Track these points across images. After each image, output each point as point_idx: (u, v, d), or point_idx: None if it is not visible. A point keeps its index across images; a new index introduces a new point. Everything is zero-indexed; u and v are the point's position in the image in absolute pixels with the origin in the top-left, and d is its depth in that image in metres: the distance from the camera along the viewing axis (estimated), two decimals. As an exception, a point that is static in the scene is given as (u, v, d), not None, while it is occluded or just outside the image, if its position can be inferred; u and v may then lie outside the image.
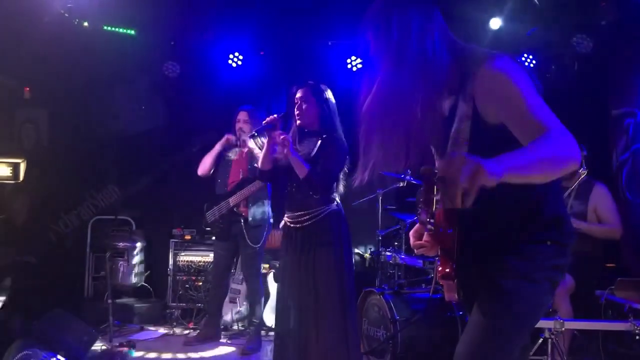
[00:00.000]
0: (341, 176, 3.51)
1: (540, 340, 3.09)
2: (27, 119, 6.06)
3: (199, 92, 6.32)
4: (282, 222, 3.61)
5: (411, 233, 1.88)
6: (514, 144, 1.51)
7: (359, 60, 6.27)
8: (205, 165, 5.00)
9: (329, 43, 6.19)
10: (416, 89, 1.64)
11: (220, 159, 5.01)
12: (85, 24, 5.76)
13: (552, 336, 3.05)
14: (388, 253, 4.77)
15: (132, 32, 5.98)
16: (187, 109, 6.24)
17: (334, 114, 3.53)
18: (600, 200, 4.21)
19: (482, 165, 1.30)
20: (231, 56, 6.26)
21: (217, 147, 4.99)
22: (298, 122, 3.51)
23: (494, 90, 1.59)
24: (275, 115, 3.46)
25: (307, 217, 3.42)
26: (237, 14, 5.81)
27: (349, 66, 6.28)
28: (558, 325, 3.00)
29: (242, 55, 6.29)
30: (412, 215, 4.74)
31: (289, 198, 3.53)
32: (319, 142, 3.49)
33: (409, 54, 1.66)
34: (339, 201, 3.53)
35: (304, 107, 3.48)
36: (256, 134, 3.66)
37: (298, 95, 3.52)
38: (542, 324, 3.03)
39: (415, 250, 1.85)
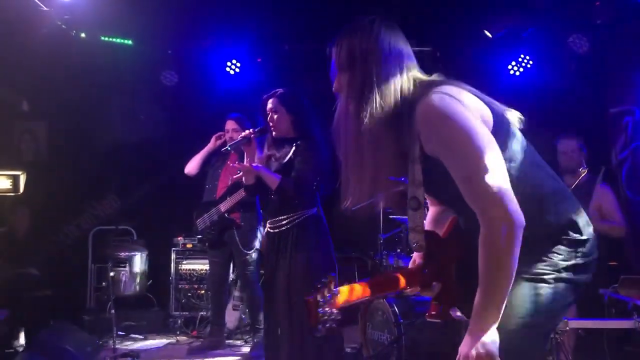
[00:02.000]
0: (317, 182, 3.48)
1: (545, 340, 3.08)
2: (26, 130, 6.07)
3: (197, 100, 6.33)
4: (266, 228, 3.62)
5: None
6: None
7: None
8: (192, 164, 5.02)
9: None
10: (366, 127, 1.66)
11: (208, 163, 5.02)
12: (83, 35, 5.77)
13: (557, 335, 3.04)
14: (390, 256, 4.76)
15: (130, 42, 5.99)
16: (186, 117, 6.25)
17: (308, 118, 3.49)
18: (605, 199, 4.21)
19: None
20: (229, 64, 6.28)
21: (207, 149, 5.02)
22: (273, 132, 3.50)
23: (428, 130, 1.59)
24: (249, 130, 3.51)
25: (285, 222, 3.42)
26: (233, 22, 5.82)
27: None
28: (562, 324, 2.99)
29: (239, 62, 6.30)
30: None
31: (270, 204, 3.56)
32: (293, 148, 3.47)
33: (357, 81, 1.69)
34: (319, 206, 3.51)
35: (275, 117, 3.46)
36: (229, 149, 3.66)
37: (269, 106, 3.49)
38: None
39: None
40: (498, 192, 1.48)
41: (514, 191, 1.51)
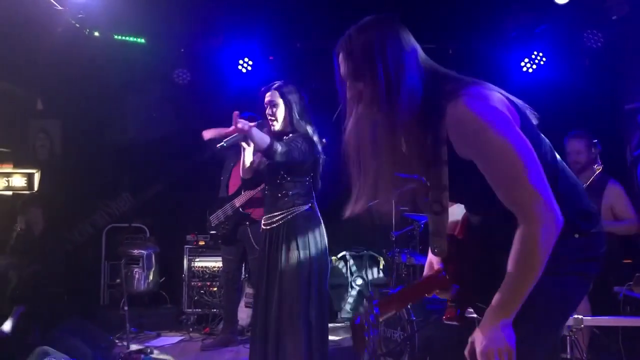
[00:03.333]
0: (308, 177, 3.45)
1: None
2: (40, 129, 6.12)
3: (210, 98, 6.35)
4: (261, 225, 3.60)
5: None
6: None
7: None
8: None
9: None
10: (387, 119, 1.63)
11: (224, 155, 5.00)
12: (96, 33, 5.81)
13: (571, 333, 3.02)
14: (403, 254, 4.75)
15: (142, 40, 6.03)
16: (198, 115, 6.27)
17: (304, 113, 3.44)
18: (617, 198, 4.16)
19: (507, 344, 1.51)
20: (241, 62, 6.29)
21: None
22: (272, 126, 3.44)
23: (463, 136, 1.56)
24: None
25: (277, 217, 3.41)
26: (246, 20, 5.84)
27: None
28: (577, 322, 2.97)
29: (251, 60, 6.31)
30: (426, 216, 4.72)
31: (265, 200, 3.56)
32: (285, 138, 3.40)
33: (379, 85, 1.61)
34: (313, 203, 3.46)
35: (272, 110, 3.42)
36: (225, 145, 3.57)
37: (267, 98, 3.45)
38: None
39: None
40: (542, 194, 1.51)
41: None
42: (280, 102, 3.42)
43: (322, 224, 3.48)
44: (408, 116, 1.62)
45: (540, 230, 1.50)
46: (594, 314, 3.70)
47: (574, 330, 3.02)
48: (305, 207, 3.42)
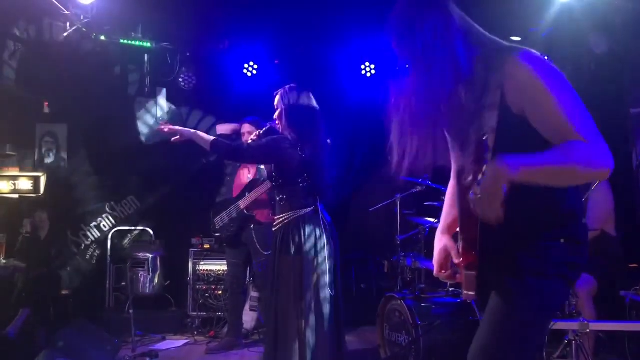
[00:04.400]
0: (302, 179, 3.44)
1: (565, 342, 3.06)
2: (47, 132, 6.16)
3: (215, 101, 6.38)
4: None
5: (435, 260, 1.92)
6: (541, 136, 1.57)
7: (372, 67, 6.29)
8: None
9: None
10: (440, 82, 1.66)
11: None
12: (103, 37, 5.84)
13: (577, 338, 3.01)
14: (408, 258, 4.74)
15: (148, 44, 6.06)
16: (204, 118, 6.30)
17: (292, 116, 3.46)
18: (596, 194, 4.01)
19: (503, 161, 1.45)
20: (246, 66, 6.31)
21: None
22: (279, 129, 3.52)
23: (522, 86, 1.59)
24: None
25: (278, 221, 3.45)
26: (251, 24, 5.86)
27: (363, 72, 6.31)
28: (582, 327, 2.96)
29: (257, 64, 6.33)
30: (431, 220, 4.71)
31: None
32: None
33: (431, 49, 1.67)
34: (317, 206, 3.43)
35: (277, 113, 3.50)
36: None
37: (275, 101, 3.54)
38: (566, 325, 3.00)
39: (441, 278, 1.91)
40: (601, 138, 1.54)
41: None
42: (281, 105, 3.48)
43: (327, 226, 3.43)
44: (456, 78, 1.67)
45: (591, 156, 1.51)
46: (599, 319, 3.68)
47: (579, 334, 3.01)
48: (305, 210, 3.39)
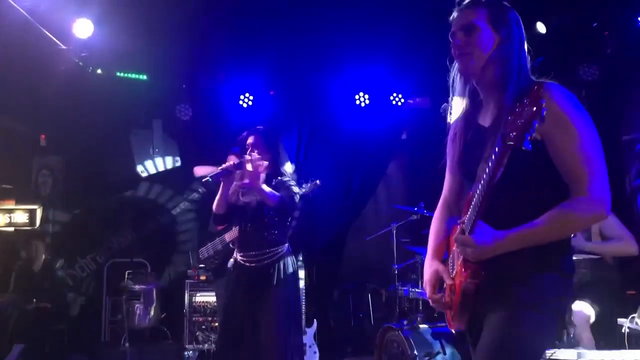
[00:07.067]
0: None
1: (564, 372, 3.04)
2: (43, 165, 6.18)
3: (212, 132, 6.41)
4: (232, 261, 3.59)
5: (427, 283, 1.95)
6: (552, 167, 1.64)
7: (366, 97, 6.36)
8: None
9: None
10: (517, 57, 1.82)
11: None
12: (99, 71, 5.90)
13: (575, 367, 3.00)
14: (405, 288, 4.73)
15: (144, 77, 6.11)
16: (200, 150, 6.32)
17: (281, 158, 3.61)
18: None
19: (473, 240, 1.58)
20: (242, 97, 6.35)
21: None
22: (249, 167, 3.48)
23: (551, 115, 1.59)
24: (231, 162, 3.53)
25: (264, 256, 3.43)
26: (246, 55, 5.92)
27: (357, 102, 6.37)
28: (580, 356, 2.95)
29: (252, 95, 6.38)
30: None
31: (243, 237, 3.56)
32: (273, 183, 3.50)
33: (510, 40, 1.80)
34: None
35: (254, 153, 3.47)
36: (210, 180, 3.56)
37: (249, 141, 3.56)
38: (564, 354, 2.98)
39: (431, 303, 1.93)
40: (606, 183, 1.62)
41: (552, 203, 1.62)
42: (263, 145, 3.53)
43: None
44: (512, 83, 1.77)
45: (594, 210, 1.60)
46: (597, 348, 3.67)
47: (578, 364, 2.99)
48: (287, 245, 3.53)
